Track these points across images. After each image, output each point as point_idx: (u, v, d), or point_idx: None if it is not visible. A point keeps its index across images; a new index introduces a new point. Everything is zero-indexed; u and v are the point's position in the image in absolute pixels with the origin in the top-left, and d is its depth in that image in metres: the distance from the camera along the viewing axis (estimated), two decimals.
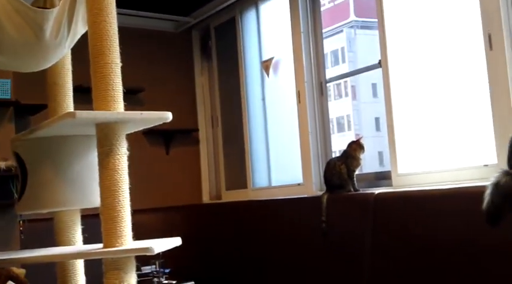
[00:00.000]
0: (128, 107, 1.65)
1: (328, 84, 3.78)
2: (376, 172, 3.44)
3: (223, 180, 4.66)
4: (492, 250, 2.29)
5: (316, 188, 3.66)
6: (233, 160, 4.59)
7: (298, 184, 3.82)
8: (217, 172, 4.75)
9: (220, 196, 4.69)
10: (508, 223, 2.23)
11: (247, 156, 4.36)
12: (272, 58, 4.14)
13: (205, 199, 4.74)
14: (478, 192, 2.30)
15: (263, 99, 4.29)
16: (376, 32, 3.29)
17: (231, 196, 4.50)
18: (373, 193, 2.94)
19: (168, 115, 1.69)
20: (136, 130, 1.80)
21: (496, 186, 2.25)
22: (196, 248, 3.96)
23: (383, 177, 3.31)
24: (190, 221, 4.22)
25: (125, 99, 1.66)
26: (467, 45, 2.84)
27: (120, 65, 1.65)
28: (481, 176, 2.61)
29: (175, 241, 1.72)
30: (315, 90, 3.76)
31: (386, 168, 3.26)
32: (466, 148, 2.87)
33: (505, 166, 2.34)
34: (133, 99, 4.27)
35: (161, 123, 1.73)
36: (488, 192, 2.26)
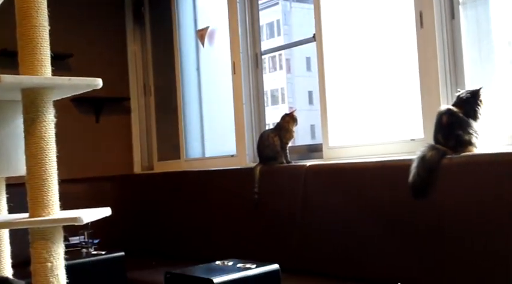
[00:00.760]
0: (55, 73, 1.60)
1: (263, 57, 3.78)
2: (308, 145, 3.50)
3: (156, 150, 4.60)
4: (417, 220, 2.39)
5: (249, 160, 3.69)
6: (166, 131, 4.54)
7: (232, 156, 3.83)
8: (150, 142, 4.68)
9: (152, 167, 4.64)
10: (432, 196, 2.33)
11: (180, 127, 4.32)
12: (207, 27, 4.09)
13: (137, 169, 4.67)
14: (404, 165, 2.39)
15: (198, 69, 4.24)
16: (312, 6, 3.30)
17: (164, 166, 4.46)
18: (304, 165, 2.99)
19: (98, 82, 1.64)
20: (64, 96, 1.74)
21: (423, 159, 2.34)
22: (127, 219, 3.91)
23: (315, 150, 3.37)
24: (121, 192, 4.16)
25: (52, 65, 1.60)
26: (399, 23, 2.91)
27: (48, 28, 1.59)
28: (408, 150, 2.70)
29: (105, 211, 1.68)
30: (250, 61, 3.75)
31: (318, 140, 3.32)
32: (394, 123, 2.96)
33: (431, 141, 2.44)
34: (61, 64, 4.11)
35: (91, 90, 1.67)
36: (414, 165, 2.35)
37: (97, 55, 4.45)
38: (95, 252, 3.04)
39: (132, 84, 4.70)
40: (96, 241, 3.24)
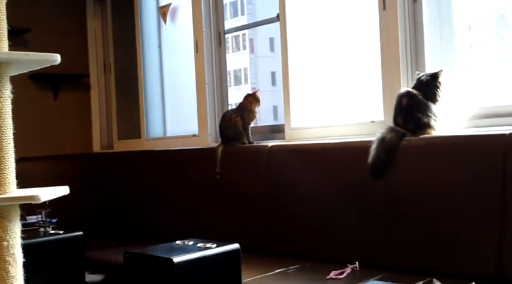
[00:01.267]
0: (12, 48, 1.55)
1: (226, 36, 3.75)
2: (271, 126, 3.50)
3: (116, 129, 4.54)
4: (376, 200, 2.43)
5: (211, 139, 3.67)
6: (126, 109, 4.48)
7: (194, 135, 3.80)
8: (109, 120, 4.61)
9: (112, 146, 4.57)
10: (391, 176, 2.37)
11: (141, 105, 4.26)
12: (170, 4, 4.02)
13: (96, 148, 4.60)
14: (364, 146, 2.42)
15: (159, 46, 4.18)
16: None
17: (124, 145, 4.40)
18: (266, 146, 2.99)
19: (56, 58, 1.60)
20: (21, 72, 1.69)
21: (382, 141, 2.38)
22: (86, 198, 3.86)
23: (277, 130, 3.38)
24: (80, 171, 4.09)
25: (9, 39, 1.55)
26: (363, 5, 2.92)
27: (5, 1, 1.54)
28: (368, 132, 2.73)
29: (63, 190, 1.66)
30: (213, 40, 3.71)
31: (280, 121, 3.33)
32: (355, 105, 2.98)
33: (391, 123, 2.48)
34: (19, 39, 4.01)
35: (49, 65, 1.63)
36: (374, 146, 2.38)
37: (56, 30, 4.34)
38: (52, 231, 3.00)
39: (92, 61, 4.60)
40: (54, 220, 3.19)
